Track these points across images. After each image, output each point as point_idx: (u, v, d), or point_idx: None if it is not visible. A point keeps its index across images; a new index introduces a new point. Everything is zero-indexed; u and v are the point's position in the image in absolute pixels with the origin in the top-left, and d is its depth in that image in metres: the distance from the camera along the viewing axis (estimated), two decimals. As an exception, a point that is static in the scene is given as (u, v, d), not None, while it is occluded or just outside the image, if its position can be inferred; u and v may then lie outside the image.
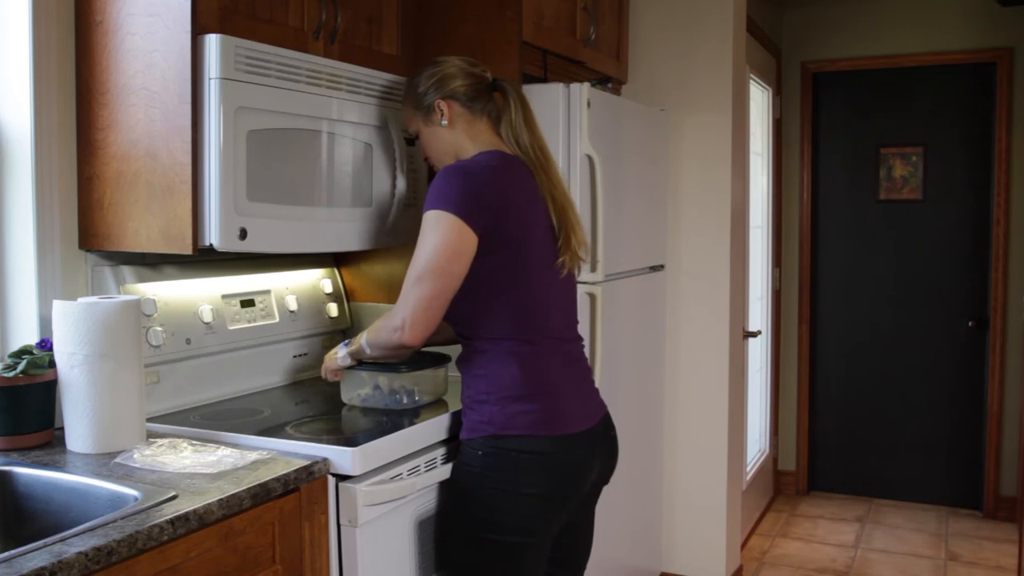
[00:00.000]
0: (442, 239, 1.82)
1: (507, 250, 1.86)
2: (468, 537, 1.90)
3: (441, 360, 2.19)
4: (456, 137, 2.01)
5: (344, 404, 2.18)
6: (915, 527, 4.39)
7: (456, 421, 2.07)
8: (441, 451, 2.01)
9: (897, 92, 4.69)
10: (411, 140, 2.15)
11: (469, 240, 1.83)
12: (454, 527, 1.94)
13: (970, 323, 4.56)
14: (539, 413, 1.87)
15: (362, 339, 2.01)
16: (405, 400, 2.13)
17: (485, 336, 1.91)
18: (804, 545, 4.18)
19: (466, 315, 1.92)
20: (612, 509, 3.13)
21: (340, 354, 2.09)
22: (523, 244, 1.89)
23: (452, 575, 1.97)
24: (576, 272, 2.06)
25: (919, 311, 4.68)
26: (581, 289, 2.57)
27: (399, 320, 1.86)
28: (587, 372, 2.07)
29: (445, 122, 2.00)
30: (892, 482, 4.78)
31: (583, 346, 2.09)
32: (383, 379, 2.12)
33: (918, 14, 4.58)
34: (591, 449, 1.96)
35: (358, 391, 2.14)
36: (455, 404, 2.11)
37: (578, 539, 2.08)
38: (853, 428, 4.85)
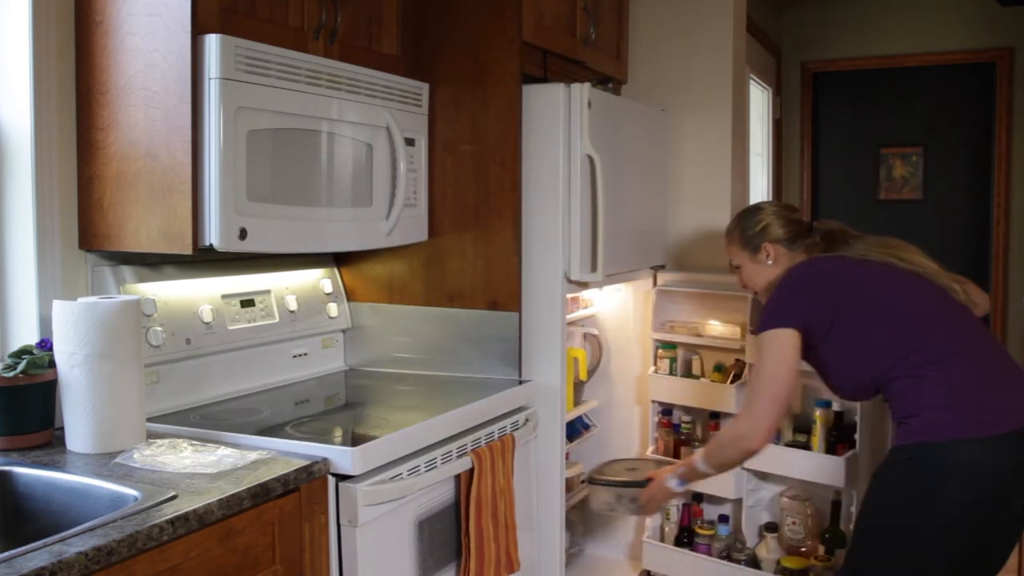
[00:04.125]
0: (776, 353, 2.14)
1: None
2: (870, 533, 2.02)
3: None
4: (778, 272, 2.30)
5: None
6: (915, 527, 4.38)
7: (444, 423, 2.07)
8: (441, 451, 2.01)
9: (897, 92, 4.69)
10: (411, 141, 2.15)
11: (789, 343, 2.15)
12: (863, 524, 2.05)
13: (970, 323, 4.56)
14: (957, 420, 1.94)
15: (699, 465, 2.27)
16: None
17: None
18: (804, 545, 4.17)
19: None
20: (612, 509, 3.13)
21: (679, 489, 2.36)
22: (875, 309, 2.11)
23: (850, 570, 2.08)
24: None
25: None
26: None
27: (751, 428, 2.11)
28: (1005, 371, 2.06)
29: (770, 262, 2.32)
30: (892, 482, 4.76)
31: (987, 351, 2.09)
32: (629, 493, 2.47)
33: (918, 14, 4.58)
34: (1014, 457, 1.89)
35: (606, 502, 2.52)
36: None
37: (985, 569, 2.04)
38: (853, 428, 4.83)
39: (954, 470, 1.87)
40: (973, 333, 2.06)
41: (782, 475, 2.85)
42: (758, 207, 2.42)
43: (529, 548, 2.38)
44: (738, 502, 2.96)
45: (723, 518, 2.97)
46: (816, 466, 2.73)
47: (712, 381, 2.97)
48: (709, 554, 2.94)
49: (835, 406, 2.75)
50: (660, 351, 3.07)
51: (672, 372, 3.04)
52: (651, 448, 3.10)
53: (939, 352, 1.98)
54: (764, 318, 2.15)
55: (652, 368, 3.08)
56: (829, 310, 2.09)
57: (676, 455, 3.02)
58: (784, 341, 2.09)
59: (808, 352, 2.15)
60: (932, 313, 2.06)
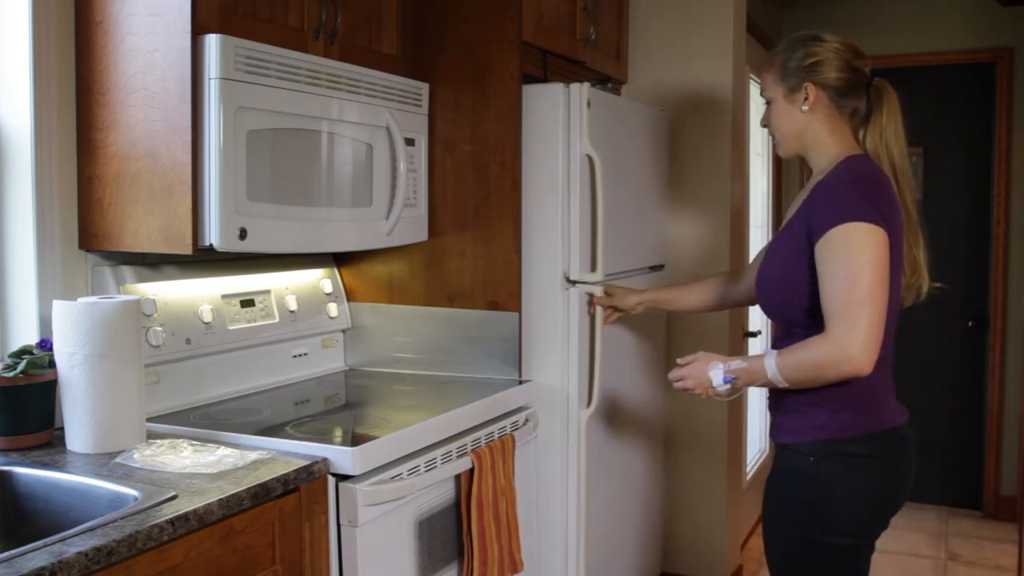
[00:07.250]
0: (874, 253, 1.73)
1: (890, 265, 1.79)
2: (798, 539, 1.87)
3: None
4: (812, 125, 1.93)
5: None
6: (915, 527, 4.39)
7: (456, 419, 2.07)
8: (441, 451, 2.01)
9: (897, 92, 4.69)
10: (411, 141, 2.15)
11: (887, 248, 1.76)
12: (782, 528, 1.90)
13: (970, 323, 4.56)
14: (866, 417, 1.86)
15: (769, 371, 1.82)
16: None
17: None
18: (804, 545, 4.17)
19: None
20: (612, 509, 3.13)
21: (721, 387, 1.91)
22: (896, 261, 1.82)
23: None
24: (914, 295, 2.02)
25: (919, 311, 4.64)
26: (581, 289, 2.58)
27: (852, 349, 1.70)
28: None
29: (806, 108, 1.92)
30: (892, 482, 4.77)
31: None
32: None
33: (918, 14, 4.58)
34: (910, 448, 1.94)
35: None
36: None
37: None
38: (853, 428, 4.84)
39: None
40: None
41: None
42: (819, 37, 1.93)
43: (531, 548, 2.38)
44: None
45: None
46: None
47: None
48: None
49: None
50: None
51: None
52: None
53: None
54: (842, 210, 1.75)
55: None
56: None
57: None
58: (880, 240, 1.74)
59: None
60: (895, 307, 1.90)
